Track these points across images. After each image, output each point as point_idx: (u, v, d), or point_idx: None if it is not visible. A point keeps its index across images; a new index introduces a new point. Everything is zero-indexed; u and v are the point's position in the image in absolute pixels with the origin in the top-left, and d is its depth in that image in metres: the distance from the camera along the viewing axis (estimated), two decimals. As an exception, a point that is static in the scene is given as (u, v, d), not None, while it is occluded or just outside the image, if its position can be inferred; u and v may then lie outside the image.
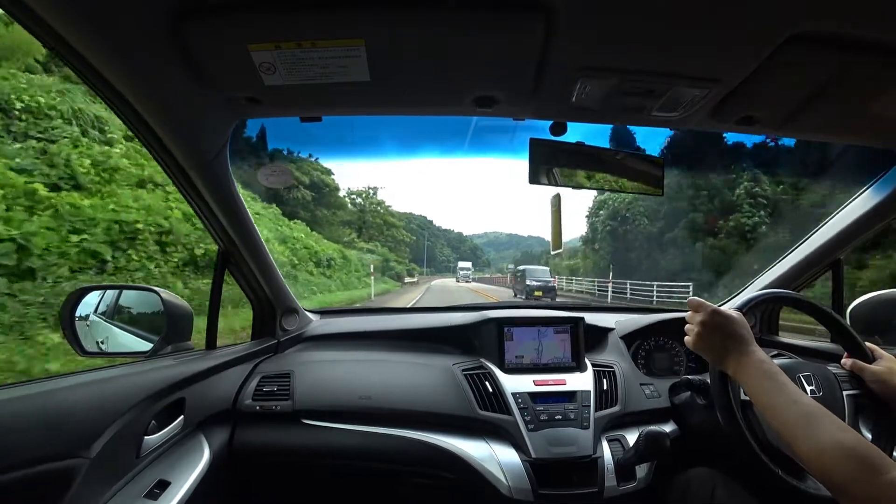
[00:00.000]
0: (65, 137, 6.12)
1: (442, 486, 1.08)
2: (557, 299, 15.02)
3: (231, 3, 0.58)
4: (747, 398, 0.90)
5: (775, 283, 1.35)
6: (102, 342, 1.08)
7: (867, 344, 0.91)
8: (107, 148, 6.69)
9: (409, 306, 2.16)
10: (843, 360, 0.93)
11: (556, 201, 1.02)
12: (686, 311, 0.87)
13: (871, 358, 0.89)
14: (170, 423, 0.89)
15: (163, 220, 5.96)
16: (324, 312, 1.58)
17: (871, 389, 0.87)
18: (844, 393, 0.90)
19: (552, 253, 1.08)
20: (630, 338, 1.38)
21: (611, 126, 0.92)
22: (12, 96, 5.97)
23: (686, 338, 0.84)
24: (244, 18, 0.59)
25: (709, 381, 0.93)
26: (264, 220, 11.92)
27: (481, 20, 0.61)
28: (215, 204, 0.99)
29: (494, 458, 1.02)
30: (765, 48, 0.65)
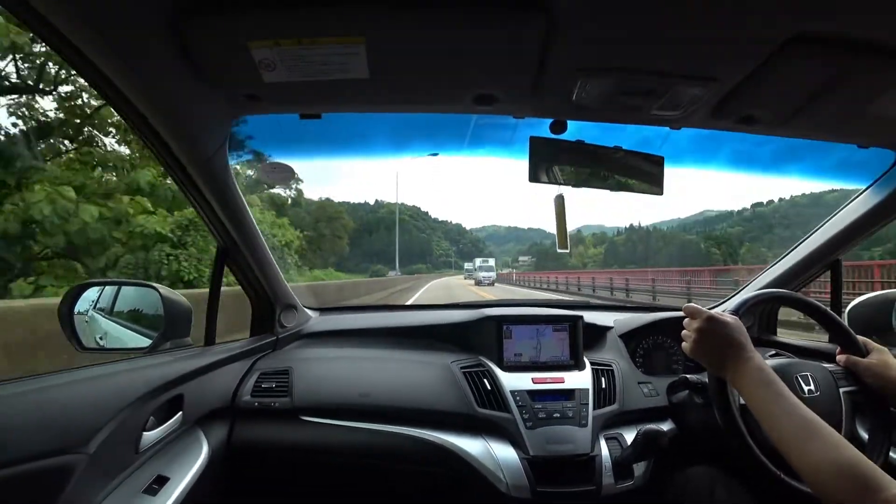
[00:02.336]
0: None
1: (440, 484, 1.09)
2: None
3: None
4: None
5: (774, 283, 1.35)
6: (101, 338, 1.08)
7: (860, 338, 0.91)
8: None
9: (408, 303, 2.16)
10: (837, 357, 0.93)
11: (560, 201, 1.01)
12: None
13: (864, 352, 0.90)
14: (168, 420, 0.89)
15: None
16: (323, 309, 1.59)
17: (867, 384, 0.87)
18: (841, 390, 0.91)
19: (558, 251, 1.07)
20: (628, 336, 1.38)
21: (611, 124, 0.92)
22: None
23: (683, 344, 0.84)
24: (245, 15, 0.59)
25: (706, 379, 0.93)
26: None
27: (481, 18, 0.61)
28: (214, 200, 0.99)
29: (493, 455, 1.02)
30: (765, 48, 0.65)
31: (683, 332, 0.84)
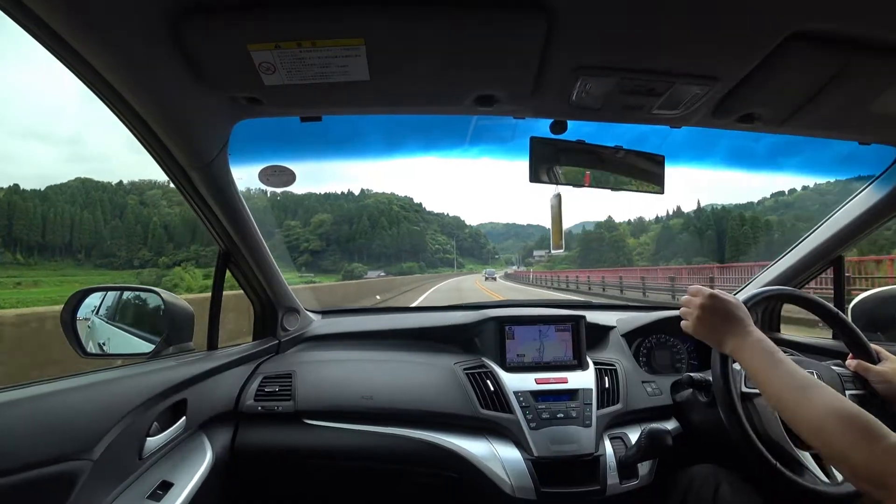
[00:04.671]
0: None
1: (444, 486, 1.08)
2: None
3: (231, 2, 0.57)
4: (748, 390, 0.91)
5: (777, 280, 1.35)
6: (104, 344, 1.08)
7: (872, 345, 0.91)
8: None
9: (411, 306, 2.17)
10: (847, 361, 0.93)
11: (557, 201, 1.01)
12: None
13: (876, 359, 0.89)
14: (172, 425, 0.89)
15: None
16: (325, 312, 1.58)
17: (876, 390, 0.87)
18: (848, 392, 0.90)
19: (553, 252, 1.08)
20: (631, 335, 1.38)
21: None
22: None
23: (683, 322, 0.85)
24: (244, 18, 0.59)
25: (710, 378, 0.93)
26: None
27: (482, 19, 0.61)
28: (216, 204, 0.99)
29: (497, 456, 1.02)
30: (765, 46, 0.65)
31: (683, 309, 0.85)
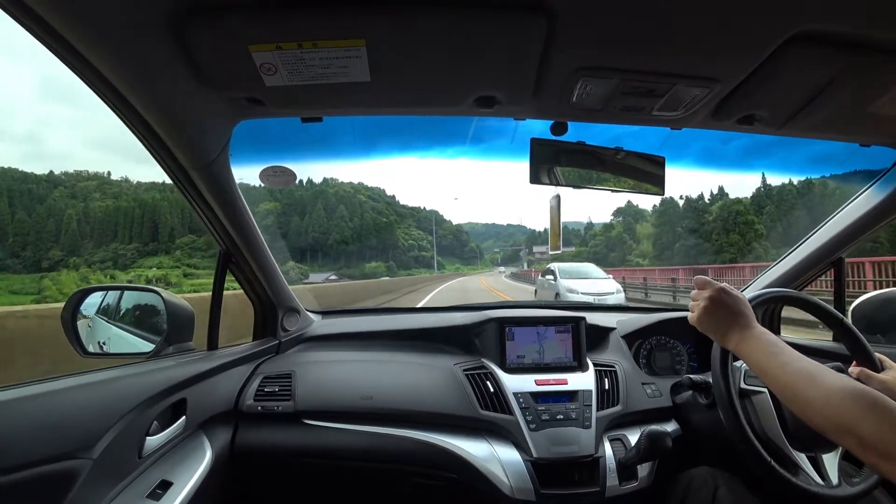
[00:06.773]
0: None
1: (444, 487, 1.08)
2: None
3: (232, 3, 0.58)
4: (746, 387, 0.91)
5: (778, 282, 1.34)
6: (104, 343, 1.08)
7: (876, 354, 0.91)
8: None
9: (411, 306, 2.17)
10: (850, 369, 0.93)
11: (557, 202, 1.02)
12: (686, 310, 0.87)
13: (879, 367, 0.89)
14: (172, 424, 0.89)
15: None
16: (325, 313, 1.59)
17: None
18: None
19: (550, 253, 1.08)
20: (631, 337, 1.38)
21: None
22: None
23: (689, 314, 0.84)
24: (245, 19, 0.59)
25: (710, 379, 0.93)
26: None
27: (482, 20, 0.61)
28: (216, 205, 0.99)
29: (496, 457, 1.02)
30: (765, 48, 0.65)
31: (692, 303, 0.85)
